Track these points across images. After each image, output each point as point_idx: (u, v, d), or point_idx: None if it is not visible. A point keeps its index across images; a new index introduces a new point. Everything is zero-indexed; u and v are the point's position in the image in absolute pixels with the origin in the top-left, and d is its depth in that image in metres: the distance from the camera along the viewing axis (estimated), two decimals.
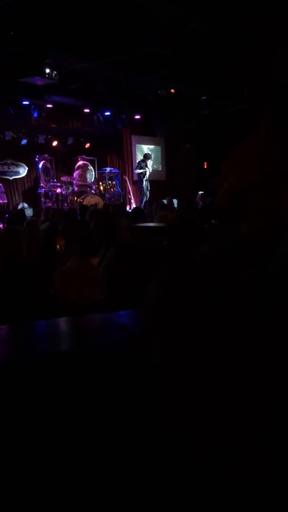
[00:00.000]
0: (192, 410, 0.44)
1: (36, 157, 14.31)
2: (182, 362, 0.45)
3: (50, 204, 13.49)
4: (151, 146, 16.79)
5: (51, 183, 14.07)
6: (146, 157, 14.97)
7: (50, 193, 13.98)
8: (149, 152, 15.54)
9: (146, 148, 16.39)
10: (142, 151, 16.14)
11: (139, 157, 15.57)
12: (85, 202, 12.25)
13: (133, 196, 15.63)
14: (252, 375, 0.41)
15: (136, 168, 15.10)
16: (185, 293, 0.48)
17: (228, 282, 0.46)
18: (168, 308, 0.48)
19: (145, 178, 14.87)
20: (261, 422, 0.41)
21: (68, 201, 13.65)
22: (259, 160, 0.53)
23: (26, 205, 13.42)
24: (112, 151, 16.36)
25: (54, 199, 13.85)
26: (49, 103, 13.02)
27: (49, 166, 14.54)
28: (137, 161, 15.31)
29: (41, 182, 14.24)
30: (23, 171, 14.30)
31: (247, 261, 0.52)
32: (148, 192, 14.85)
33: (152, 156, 15.83)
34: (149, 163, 15.04)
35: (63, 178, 14.10)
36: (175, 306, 0.48)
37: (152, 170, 15.41)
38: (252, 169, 0.54)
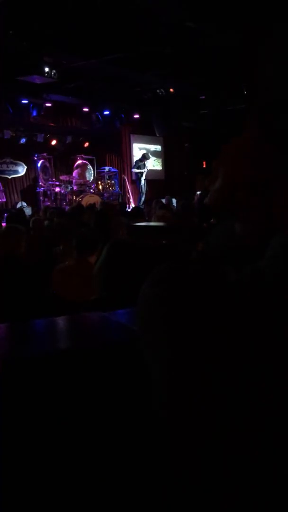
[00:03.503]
0: (188, 412, 0.44)
1: (35, 155, 14.31)
2: (174, 364, 0.45)
3: (48, 203, 13.48)
4: (150, 145, 16.77)
5: (50, 182, 14.07)
6: (145, 157, 14.97)
7: (48, 192, 13.98)
8: (147, 152, 15.53)
9: (145, 147, 16.37)
10: (141, 150, 16.13)
11: (138, 156, 15.57)
12: (83, 201, 12.25)
13: (132, 196, 15.63)
14: (248, 382, 0.41)
15: (134, 167, 15.10)
16: (176, 294, 0.47)
17: (218, 285, 0.46)
18: (159, 308, 0.48)
19: (143, 178, 14.88)
20: (261, 428, 0.41)
21: (67, 200, 13.65)
22: (249, 159, 0.52)
23: (24, 203, 13.41)
24: (111, 150, 16.36)
25: (53, 198, 13.85)
26: (48, 102, 13.01)
27: (48, 165, 14.54)
28: (135, 160, 15.32)
29: (39, 181, 14.24)
30: (21, 170, 14.29)
31: (240, 261, 0.52)
32: (145, 192, 14.85)
33: (151, 155, 15.82)
34: (147, 163, 15.03)
35: (62, 177, 14.10)
36: (166, 307, 0.47)
37: (151, 169, 15.40)
38: (242, 168, 0.53)
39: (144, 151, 15.53)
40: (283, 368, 0.39)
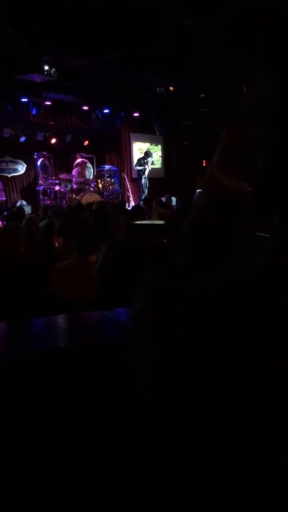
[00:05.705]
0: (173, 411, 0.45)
1: (34, 154, 14.29)
2: (159, 364, 0.47)
3: (48, 202, 13.46)
4: (150, 144, 16.76)
5: (50, 181, 14.06)
6: (147, 154, 14.98)
7: (48, 190, 13.97)
8: (150, 150, 15.54)
9: (144, 146, 16.36)
10: (140, 148, 16.12)
11: (138, 155, 15.55)
12: (83, 200, 12.24)
13: (132, 194, 15.62)
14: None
15: (136, 165, 15.10)
16: (162, 306, 0.50)
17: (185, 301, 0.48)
18: (147, 318, 0.51)
19: (144, 176, 14.87)
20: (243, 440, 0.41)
21: (67, 198, 13.64)
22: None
23: (24, 202, 13.41)
24: (111, 149, 16.35)
25: (52, 197, 13.84)
26: (48, 100, 12.98)
27: (47, 163, 14.53)
28: (138, 158, 15.32)
29: (39, 180, 14.23)
30: (21, 169, 14.27)
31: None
32: (146, 190, 14.84)
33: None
34: (150, 160, 15.03)
35: (62, 176, 14.10)
36: (153, 317, 0.50)
37: (150, 168, 15.40)
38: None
39: (146, 150, 15.54)
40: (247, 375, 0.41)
